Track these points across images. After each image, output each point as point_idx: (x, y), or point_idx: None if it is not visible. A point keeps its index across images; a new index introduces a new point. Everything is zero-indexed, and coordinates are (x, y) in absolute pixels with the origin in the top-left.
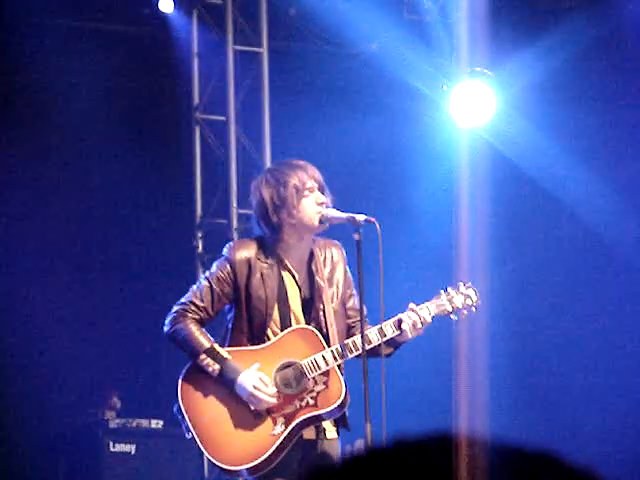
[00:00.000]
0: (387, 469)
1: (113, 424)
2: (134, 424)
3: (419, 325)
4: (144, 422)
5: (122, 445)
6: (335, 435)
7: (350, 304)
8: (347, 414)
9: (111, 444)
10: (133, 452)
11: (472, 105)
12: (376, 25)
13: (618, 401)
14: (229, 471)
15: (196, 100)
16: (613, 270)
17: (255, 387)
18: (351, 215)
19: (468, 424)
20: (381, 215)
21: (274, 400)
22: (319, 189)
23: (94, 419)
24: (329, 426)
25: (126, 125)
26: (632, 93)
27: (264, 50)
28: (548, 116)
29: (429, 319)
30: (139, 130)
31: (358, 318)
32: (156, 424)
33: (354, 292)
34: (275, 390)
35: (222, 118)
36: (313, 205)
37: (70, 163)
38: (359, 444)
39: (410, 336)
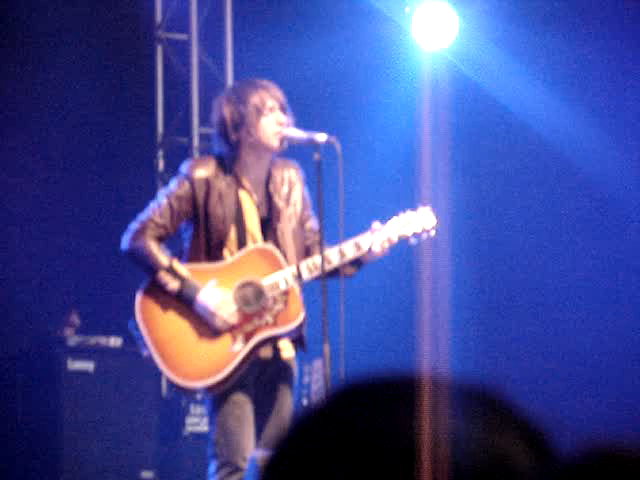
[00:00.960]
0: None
1: (72, 342)
2: (93, 342)
3: (386, 244)
4: (103, 340)
5: (80, 363)
6: (292, 354)
7: (308, 225)
8: (305, 334)
9: (69, 361)
10: (91, 370)
11: (435, 27)
12: None
13: (586, 340)
14: (186, 388)
15: (158, 18)
16: (571, 185)
17: (217, 306)
18: (311, 135)
19: (429, 357)
20: (342, 136)
21: (234, 319)
22: (280, 109)
23: (52, 336)
24: (286, 345)
25: (86, 43)
26: (608, 18)
27: None
28: (510, 36)
29: (395, 238)
30: (100, 48)
31: (316, 239)
32: (115, 342)
33: (312, 213)
34: (235, 307)
35: (184, 37)
36: (273, 125)
37: (33, 79)
38: (317, 364)
39: (376, 253)
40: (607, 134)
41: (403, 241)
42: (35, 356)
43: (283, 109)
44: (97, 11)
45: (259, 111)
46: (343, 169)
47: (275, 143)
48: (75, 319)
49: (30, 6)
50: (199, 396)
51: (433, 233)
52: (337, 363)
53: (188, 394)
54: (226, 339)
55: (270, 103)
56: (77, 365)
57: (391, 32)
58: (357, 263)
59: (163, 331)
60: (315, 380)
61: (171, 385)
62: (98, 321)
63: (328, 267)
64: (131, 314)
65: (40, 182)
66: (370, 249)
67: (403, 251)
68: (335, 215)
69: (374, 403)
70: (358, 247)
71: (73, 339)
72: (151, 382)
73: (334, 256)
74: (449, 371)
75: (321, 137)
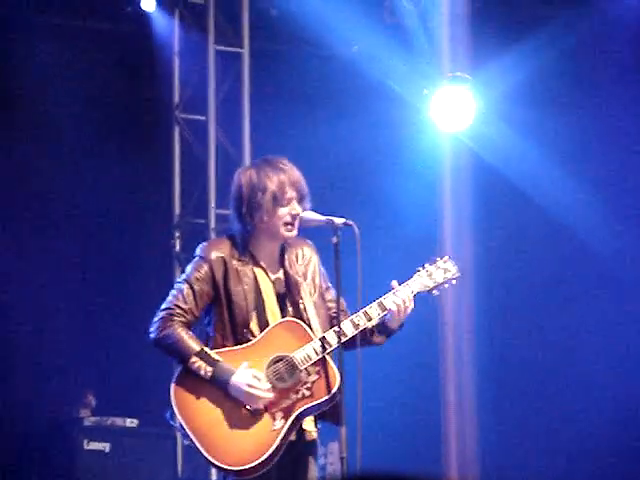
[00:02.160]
0: None
1: (88, 422)
2: (109, 422)
3: (402, 308)
4: (119, 421)
5: (96, 443)
6: (314, 436)
7: (329, 296)
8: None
9: (85, 442)
10: (107, 450)
11: (453, 109)
12: (357, 28)
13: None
14: (236, 472)
15: (176, 99)
16: (591, 272)
17: (249, 385)
18: (330, 218)
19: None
20: (361, 219)
21: (270, 395)
22: (298, 198)
23: (69, 417)
24: (310, 426)
25: (105, 123)
26: (612, 96)
27: (245, 51)
28: (528, 120)
29: (410, 302)
30: (118, 129)
31: (342, 308)
32: (131, 423)
33: (330, 285)
34: (269, 386)
35: (202, 118)
36: (287, 216)
37: (48, 158)
38: (333, 446)
39: (397, 318)
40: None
41: (425, 296)
42: (51, 436)
43: (301, 197)
44: (115, 92)
45: (276, 201)
46: (361, 252)
47: (286, 235)
48: (91, 400)
49: (46, 84)
50: (214, 477)
51: (454, 282)
52: (353, 446)
53: (237, 477)
54: (266, 418)
55: (289, 194)
56: (93, 445)
57: (409, 115)
58: (385, 331)
59: (202, 418)
60: (330, 463)
61: (219, 470)
62: (114, 402)
63: (355, 331)
64: (168, 404)
65: (57, 265)
66: (388, 309)
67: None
68: (354, 297)
69: None
70: (382, 307)
71: (89, 420)
72: (167, 463)
73: (360, 319)
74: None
75: (338, 220)
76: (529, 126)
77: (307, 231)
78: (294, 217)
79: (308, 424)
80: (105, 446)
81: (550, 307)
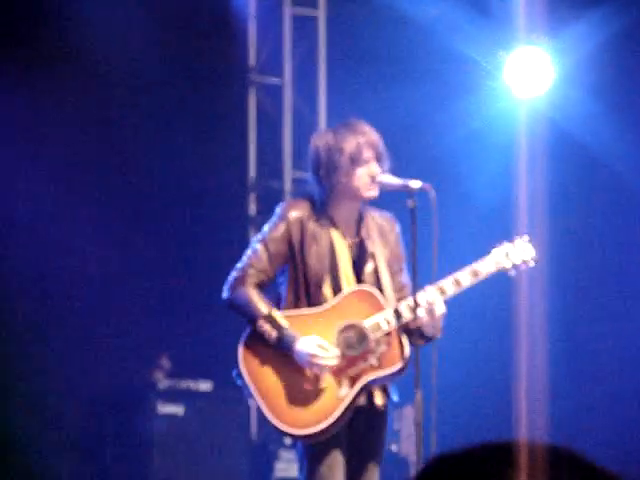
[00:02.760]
0: None
1: (162, 385)
2: (183, 385)
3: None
4: (193, 384)
5: (171, 406)
6: (384, 401)
7: (398, 278)
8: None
9: (160, 405)
10: (181, 414)
11: (529, 74)
12: None
13: None
14: (296, 435)
15: (252, 62)
16: None
17: (312, 355)
18: (406, 181)
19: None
20: (435, 184)
21: (333, 362)
22: (376, 159)
23: (143, 380)
24: (378, 392)
25: (181, 85)
26: None
27: (320, 13)
28: (605, 86)
29: (494, 270)
30: (194, 91)
31: (402, 294)
32: (205, 386)
33: (404, 267)
34: (337, 351)
35: (277, 81)
36: (366, 176)
37: (123, 121)
38: (407, 411)
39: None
40: None
41: (502, 274)
42: (126, 399)
43: (379, 157)
44: (192, 56)
45: (354, 161)
46: (437, 216)
47: (367, 195)
48: (166, 363)
49: (122, 52)
50: (288, 441)
51: (532, 264)
52: (428, 410)
53: (299, 441)
54: (332, 385)
55: (366, 154)
56: (167, 409)
57: (484, 80)
58: (424, 336)
59: (267, 380)
60: (405, 427)
61: (280, 433)
62: (188, 365)
63: (443, 297)
64: (234, 363)
65: (134, 226)
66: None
67: (495, 299)
68: (427, 265)
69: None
70: (475, 274)
71: (164, 383)
72: (240, 426)
73: (448, 286)
74: (545, 439)
75: (415, 184)
76: (607, 92)
77: (382, 196)
78: (373, 177)
79: (379, 390)
80: (179, 409)
81: (628, 291)
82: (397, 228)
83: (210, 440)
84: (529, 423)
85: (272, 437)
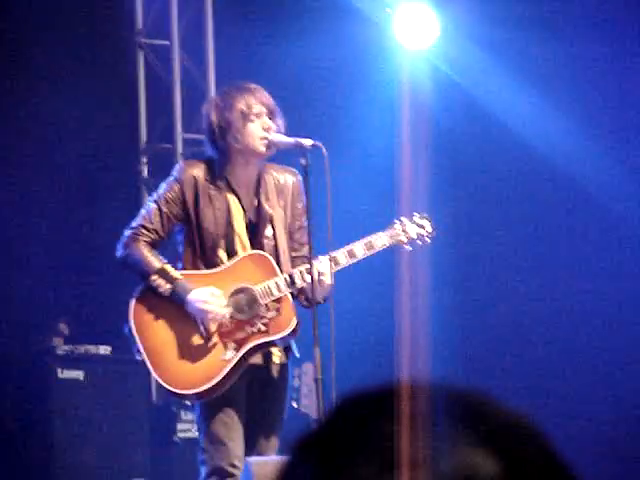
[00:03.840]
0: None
1: (61, 350)
2: (82, 350)
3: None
4: (92, 348)
5: (70, 371)
6: (283, 360)
7: (297, 235)
8: (293, 341)
9: (59, 371)
10: (82, 378)
11: (415, 27)
12: None
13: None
14: (178, 394)
15: (139, 24)
16: (560, 195)
17: (205, 301)
18: (298, 140)
19: (410, 363)
20: (326, 139)
21: (224, 312)
22: (268, 114)
23: (42, 346)
24: (276, 351)
25: (69, 50)
26: (582, 21)
27: None
28: (492, 36)
29: (390, 243)
30: (80, 55)
31: (302, 252)
32: (104, 350)
33: (304, 224)
34: (225, 302)
35: (166, 42)
36: (259, 130)
37: (13, 84)
38: (307, 367)
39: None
40: (586, 130)
41: (398, 248)
42: (24, 365)
43: (271, 114)
44: (77, 19)
45: (245, 117)
46: (330, 173)
47: (261, 149)
48: (64, 328)
49: (7, 12)
50: (189, 402)
51: (428, 240)
52: (328, 366)
53: (180, 400)
54: (218, 347)
55: (256, 108)
56: (67, 374)
57: (373, 32)
58: (308, 301)
59: (156, 338)
60: (305, 383)
61: (162, 391)
62: (87, 329)
63: (336, 268)
64: (125, 319)
65: (26, 190)
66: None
67: (388, 259)
68: (323, 222)
69: (376, 414)
70: (370, 246)
71: (62, 348)
72: (141, 389)
73: (342, 257)
74: (429, 377)
75: (307, 142)
76: (496, 45)
77: (275, 156)
78: (267, 130)
79: (275, 349)
80: (79, 374)
81: (523, 244)
82: (299, 183)
83: (111, 404)
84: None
85: (174, 398)
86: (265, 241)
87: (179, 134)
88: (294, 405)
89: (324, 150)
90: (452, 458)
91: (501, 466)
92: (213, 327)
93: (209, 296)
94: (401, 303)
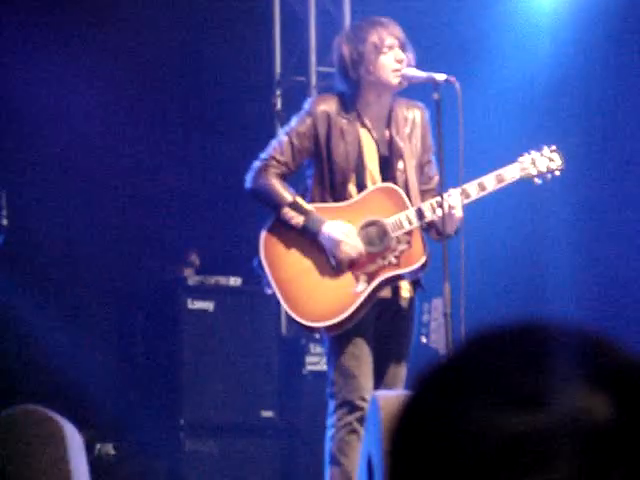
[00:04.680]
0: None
1: (192, 281)
2: (212, 281)
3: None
4: (222, 279)
5: (200, 302)
6: (411, 294)
7: (426, 169)
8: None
9: (189, 301)
10: (211, 309)
11: None
12: None
13: None
14: (309, 327)
15: None
16: None
17: (343, 235)
18: (431, 74)
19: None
20: (460, 75)
21: (358, 249)
22: (400, 47)
23: (172, 276)
24: (405, 285)
25: None
26: None
27: None
28: None
29: (518, 176)
30: None
31: (431, 186)
32: (234, 281)
33: (432, 159)
34: (360, 242)
35: None
36: (392, 63)
37: (143, 20)
38: (436, 303)
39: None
40: None
41: (528, 181)
42: (155, 296)
43: (403, 47)
44: None
45: (378, 49)
46: (462, 109)
47: (394, 81)
48: (195, 259)
49: None
50: (318, 335)
51: (558, 173)
52: (457, 302)
53: (309, 333)
54: (349, 279)
55: (389, 41)
56: (197, 305)
57: None
58: (439, 233)
59: (287, 270)
60: (434, 318)
61: (291, 324)
62: (217, 261)
63: (466, 201)
64: (255, 252)
65: (158, 123)
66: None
67: (525, 196)
68: (454, 158)
69: (502, 353)
70: (500, 179)
71: (193, 279)
72: (271, 321)
73: (472, 189)
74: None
75: (440, 77)
76: None
77: (408, 89)
78: (400, 62)
79: (403, 283)
80: (209, 305)
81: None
82: (427, 118)
83: (240, 335)
84: (557, 311)
85: (303, 331)
86: (398, 174)
87: (313, 67)
88: (423, 340)
89: (457, 85)
90: (569, 400)
91: (616, 412)
92: (345, 262)
93: (346, 231)
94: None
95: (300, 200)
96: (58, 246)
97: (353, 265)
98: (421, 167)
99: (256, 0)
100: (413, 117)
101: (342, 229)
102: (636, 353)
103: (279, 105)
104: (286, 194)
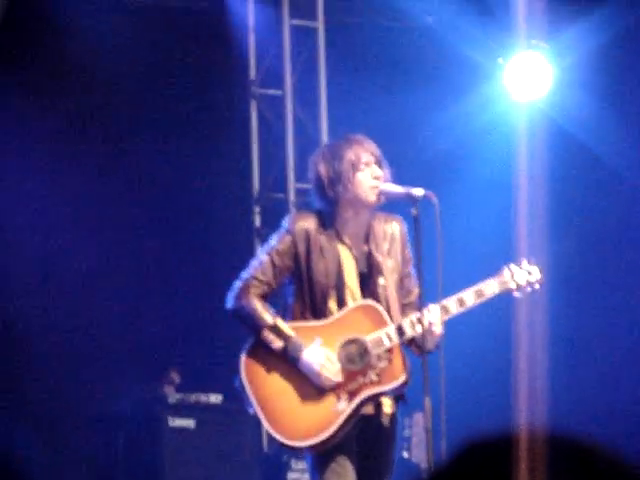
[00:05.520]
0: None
1: (172, 399)
2: (193, 399)
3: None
4: (203, 397)
5: (181, 420)
6: (393, 410)
7: (406, 282)
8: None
9: (170, 419)
10: (192, 427)
11: (528, 77)
12: None
13: None
14: (291, 447)
15: (252, 74)
16: None
17: (321, 365)
18: (408, 189)
19: (527, 410)
20: (437, 189)
21: (339, 378)
22: (376, 163)
23: (153, 394)
24: (387, 401)
25: (182, 101)
26: None
27: (320, 24)
28: (606, 86)
29: (498, 291)
30: (195, 105)
31: (411, 299)
32: (215, 399)
33: (412, 271)
34: (339, 366)
35: (279, 92)
36: (369, 179)
37: (125, 135)
38: (417, 417)
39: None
40: None
41: (507, 295)
42: (136, 414)
43: (379, 163)
44: (191, 70)
45: (354, 166)
46: (441, 224)
47: (372, 198)
48: (175, 377)
49: (122, 66)
50: (301, 454)
51: (537, 287)
52: (437, 417)
53: (292, 452)
54: (330, 398)
55: (365, 158)
56: (178, 422)
57: (485, 82)
58: (419, 348)
59: (267, 390)
60: (415, 433)
61: (275, 442)
62: (198, 378)
63: (446, 317)
64: (235, 372)
65: (138, 242)
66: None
67: (502, 307)
68: (432, 271)
69: (491, 462)
70: (480, 294)
71: (174, 397)
72: (252, 437)
73: (452, 305)
74: (547, 428)
75: (418, 192)
76: (607, 93)
77: (385, 205)
78: (377, 178)
79: (385, 399)
80: (190, 423)
81: (634, 297)
82: (405, 230)
83: (222, 452)
84: (530, 420)
85: (284, 447)
86: (379, 290)
87: (292, 184)
88: (405, 455)
89: (435, 199)
90: None
91: None
92: (315, 391)
93: (324, 359)
94: (519, 351)
95: (281, 323)
96: (39, 364)
97: (334, 384)
98: (401, 280)
99: (234, 117)
100: (392, 231)
101: (320, 358)
102: (630, 461)
103: (258, 222)
104: (267, 316)
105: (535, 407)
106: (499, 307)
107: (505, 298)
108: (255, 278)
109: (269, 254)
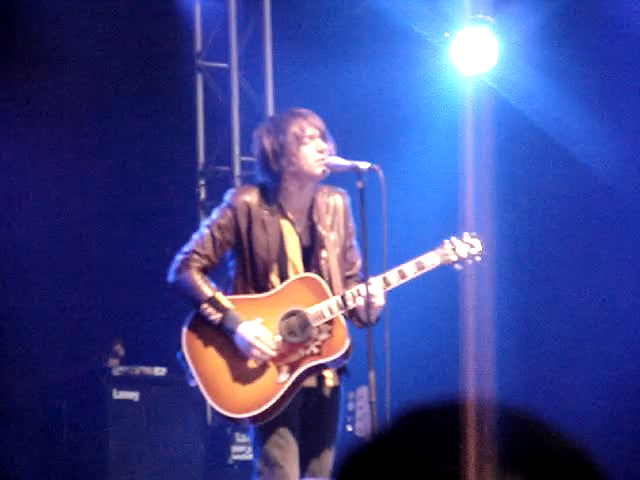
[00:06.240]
0: (399, 448)
1: (116, 372)
2: (137, 372)
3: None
4: (147, 370)
5: (126, 392)
6: (336, 383)
7: (349, 255)
8: (347, 362)
9: (115, 391)
10: (137, 399)
11: (474, 52)
12: None
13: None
14: (232, 419)
15: (198, 47)
16: (617, 217)
17: (255, 337)
18: (354, 163)
19: (474, 382)
20: (384, 163)
21: (273, 353)
22: (320, 136)
23: (97, 367)
24: (330, 374)
25: (126, 73)
26: (634, 36)
27: None
28: (551, 61)
29: (439, 263)
30: (140, 78)
31: (353, 271)
32: (159, 371)
33: (354, 244)
34: (280, 339)
35: (224, 65)
36: (313, 153)
37: (67, 110)
38: (361, 391)
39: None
40: None
41: (449, 267)
42: (80, 387)
43: (323, 137)
44: (137, 42)
45: (299, 139)
46: (387, 197)
47: (317, 171)
48: (119, 349)
49: (66, 37)
50: (244, 426)
51: (479, 259)
52: (382, 390)
53: (234, 425)
54: (271, 370)
55: (310, 131)
56: (122, 395)
57: (431, 56)
58: (360, 321)
59: (209, 363)
60: (359, 407)
61: (217, 414)
62: (142, 351)
63: (387, 289)
64: (178, 345)
65: (80, 215)
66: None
67: (448, 278)
68: (378, 244)
69: (426, 431)
70: (420, 266)
71: (118, 369)
72: (196, 411)
73: (393, 277)
74: (493, 396)
75: (364, 165)
76: (553, 67)
77: (331, 178)
78: (322, 151)
79: (328, 372)
80: (134, 395)
81: (579, 272)
82: (348, 203)
83: (166, 425)
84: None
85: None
86: (321, 262)
87: (237, 157)
88: (349, 428)
89: (381, 173)
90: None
91: None
92: (256, 364)
93: (259, 332)
94: (466, 322)
95: (219, 296)
96: None
97: (275, 356)
98: (344, 253)
99: (180, 90)
100: (335, 204)
101: (254, 331)
102: (562, 433)
103: (203, 195)
104: (206, 289)
105: (482, 380)
106: (446, 279)
107: (453, 270)
108: (195, 252)
109: (210, 228)
